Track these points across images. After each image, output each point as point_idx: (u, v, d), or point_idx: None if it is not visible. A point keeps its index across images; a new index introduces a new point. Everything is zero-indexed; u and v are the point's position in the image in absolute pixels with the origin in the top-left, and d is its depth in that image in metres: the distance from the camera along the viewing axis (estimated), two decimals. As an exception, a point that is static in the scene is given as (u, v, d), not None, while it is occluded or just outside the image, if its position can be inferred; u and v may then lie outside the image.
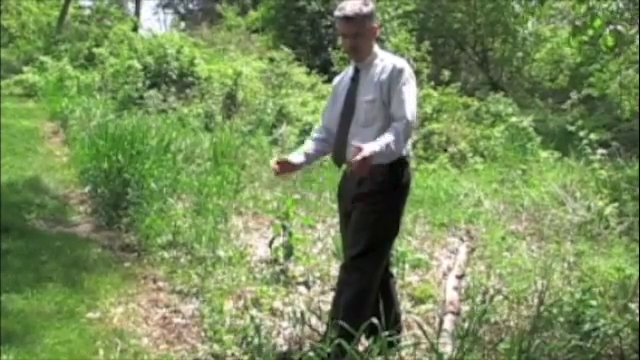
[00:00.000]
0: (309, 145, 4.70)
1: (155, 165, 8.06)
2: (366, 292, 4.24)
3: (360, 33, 4.33)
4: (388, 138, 4.03)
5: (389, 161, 4.19)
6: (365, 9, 4.30)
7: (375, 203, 4.31)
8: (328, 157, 4.77)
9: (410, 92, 4.25)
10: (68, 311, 5.16)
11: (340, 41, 16.46)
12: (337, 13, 4.36)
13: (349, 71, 4.62)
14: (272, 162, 4.56)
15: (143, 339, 4.83)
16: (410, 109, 4.18)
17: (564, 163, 11.55)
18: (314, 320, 4.88)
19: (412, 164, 4.56)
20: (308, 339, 4.74)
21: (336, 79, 4.80)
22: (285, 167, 4.56)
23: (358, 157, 3.82)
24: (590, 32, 5.88)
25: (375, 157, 3.90)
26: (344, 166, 4.51)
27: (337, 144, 4.49)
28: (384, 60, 4.40)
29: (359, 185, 4.35)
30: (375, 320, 3.94)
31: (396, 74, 4.27)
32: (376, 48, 4.46)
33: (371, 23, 4.37)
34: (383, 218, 4.31)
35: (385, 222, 4.34)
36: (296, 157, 4.60)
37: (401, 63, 4.36)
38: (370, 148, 3.87)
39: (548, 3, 14.34)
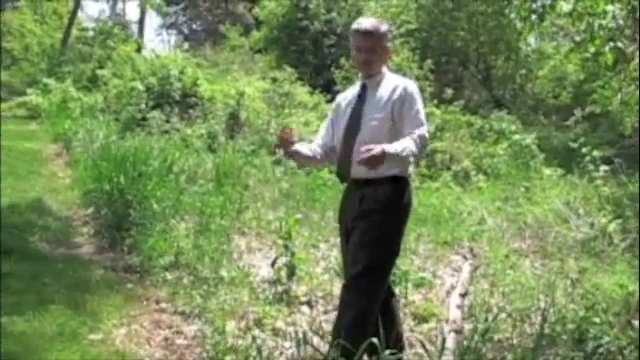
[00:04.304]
0: (312, 145, 4.71)
1: (158, 186, 8.07)
2: (367, 312, 4.21)
3: (375, 49, 4.39)
4: (405, 142, 4.11)
5: (397, 170, 4.26)
6: (382, 27, 4.43)
7: (376, 222, 4.29)
8: (322, 173, 4.74)
9: (423, 113, 4.36)
10: (70, 333, 5.13)
11: (342, 60, 16.40)
12: (355, 27, 4.44)
13: (354, 88, 4.64)
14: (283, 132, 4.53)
15: (145, 360, 4.82)
16: (426, 125, 4.29)
17: (567, 180, 11.54)
18: (316, 340, 4.86)
19: (415, 183, 4.56)
20: (310, 359, 4.73)
21: (340, 96, 4.80)
22: (288, 138, 4.48)
23: (371, 153, 3.91)
24: (592, 49, 5.87)
25: (389, 157, 3.97)
26: (346, 184, 4.53)
27: (341, 161, 4.49)
28: (393, 81, 4.45)
29: (360, 203, 4.35)
30: (376, 340, 3.92)
31: (410, 95, 4.33)
32: (385, 69, 4.51)
33: (386, 42, 4.47)
34: (384, 237, 4.30)
35: (386, 241, 4.32)
36: (302, 145, 4.60)
37: (412, 85, 4.43)
38: (384, 147, 3.97)
39: (550, 19, 14.34)
